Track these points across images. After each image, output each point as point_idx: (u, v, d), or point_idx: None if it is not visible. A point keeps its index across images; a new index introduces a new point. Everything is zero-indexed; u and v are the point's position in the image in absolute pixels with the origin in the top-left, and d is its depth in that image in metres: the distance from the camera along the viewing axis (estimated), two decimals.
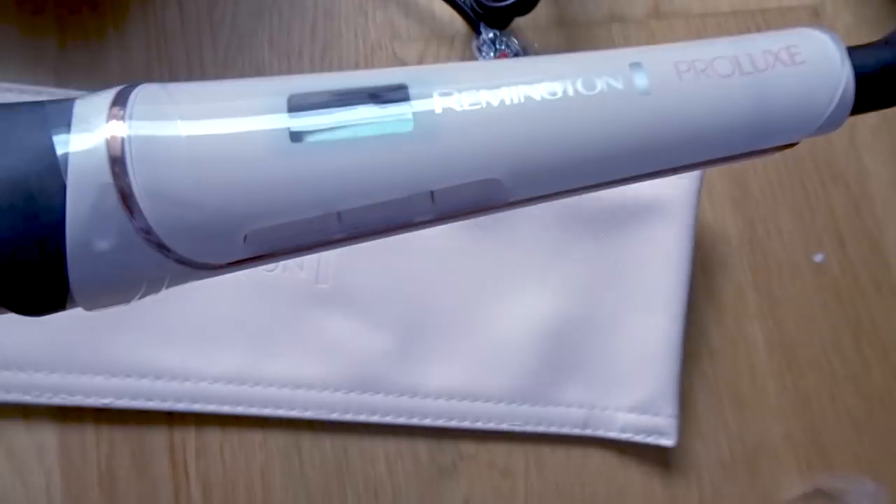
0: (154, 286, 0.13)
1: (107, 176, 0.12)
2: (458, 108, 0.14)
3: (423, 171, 0.14)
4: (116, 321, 0.26)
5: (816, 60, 0.15)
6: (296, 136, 0.13)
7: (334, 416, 0.27)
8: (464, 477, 0.29)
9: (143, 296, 0.13)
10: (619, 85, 0.14)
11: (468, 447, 0.29)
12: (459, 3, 0.31)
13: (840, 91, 0.15)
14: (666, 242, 0.30)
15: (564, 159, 0.14)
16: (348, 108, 0.13)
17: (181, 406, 0.26)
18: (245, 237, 0.13)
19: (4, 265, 0.12)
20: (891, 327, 0.35)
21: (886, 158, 0.37)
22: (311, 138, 0.13)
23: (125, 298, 0.13)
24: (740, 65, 0.15)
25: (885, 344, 0.35)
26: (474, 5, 0.31)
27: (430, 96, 0.14)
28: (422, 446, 0.28)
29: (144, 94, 0.13)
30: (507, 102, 0.14)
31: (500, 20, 0.31)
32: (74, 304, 0.13)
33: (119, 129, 0.12)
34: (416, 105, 0.14)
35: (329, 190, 0.13)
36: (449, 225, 0.15)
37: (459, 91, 0.14)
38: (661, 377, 0.29)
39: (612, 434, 0.29)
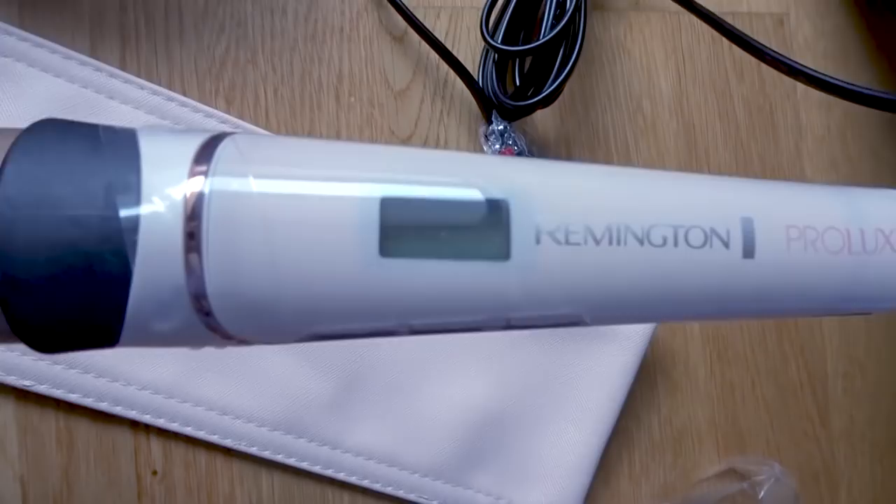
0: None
1: (180, 274, 0.11)
2: (558, 244, 0.13)
3: (507, 302, 0.13)
4: None
5: None
6: (385, 251, 0.12)
7: (252, 451, 0.27)
8: None
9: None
10: (725, 245, 0.14)
11: None
12: (478, 85, 0.29)
13: None
14: (611, 368, 0.30)
15: (651, 305, 0.14)
16: (443, 225, 0.13)
17: (103, 406, 0.26)
18: (308, 334, 0.13)
19: (52, 330, 0.11)
20: (809, 327, 0.38)
21: (826, 167, 0.39)
22: (400, 254, 0.12)
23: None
24: (850, 242, 0.14)
25: (802, 342, 0.38)
26: (490, 95, 0.29)
27: (533, 224, 0.13)
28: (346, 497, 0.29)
29: (227, 157, 0.12)
30: (610, 243, 0.13)
31: (518, 115, 0.30)
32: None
33: (198, 209, 0.11)
34: (516, 232, 0.13)
35: (409, 307, 0.13)
36: None
37: (564, 223, 0.13)
38: (570, 487, 0.30)
39: None
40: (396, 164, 0.13)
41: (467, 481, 0.30)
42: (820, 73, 0.22)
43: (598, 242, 0.13)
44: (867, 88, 0.21)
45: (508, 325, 0.14)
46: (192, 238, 0.11)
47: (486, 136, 0.31)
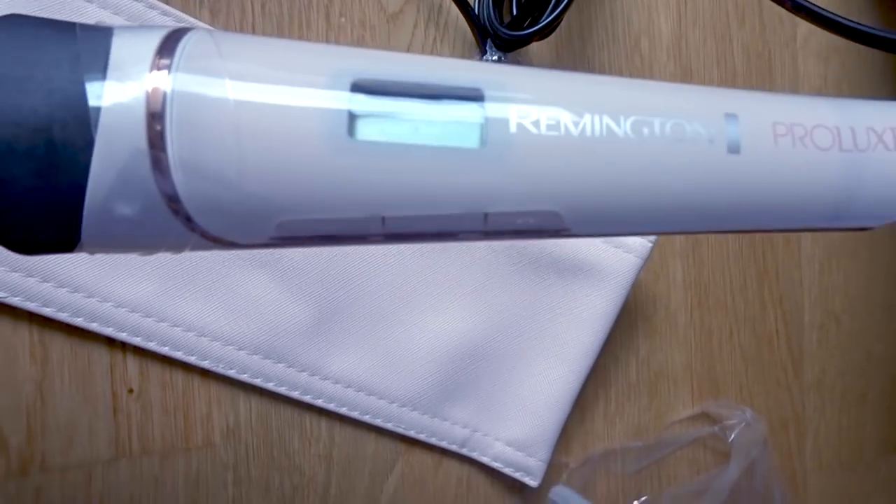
0: (171, 250, 0.12)
1: (141, 141, 0.11)
2: (533, 131, 0.13)
3: (482, 193, 0.13)
4: None
5: None
6: (354, 132, 0.12)
7: (230, 373, 0.27)
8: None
9: (156, 254, 0.13)
10: (708, 139, 0.13)
11: (366, 439, 0.30)
12: (473, 13, 0.28)
13: None
14: (594, 307, 0.30)
15: (632, 205, 0.13)
16: (414, 110, 0.12)
17: (78, 321, 0.25)
18: (278, 224, 0.12)
19: (12, 211, 0.11)
20: (789, 277, 0.38)
21: None
22: (369, 137, 0.12)
23: (137, 252, 0.12)
24: (841, 139, 0.14)
25: (782, 292, 0.38)
26: (486, 24, 0.28)
27: (507, 110, 0.13)
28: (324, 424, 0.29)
29: (195, 45, 0.11)
30: (588, 133, 0.13)
31: (513, 46, 0.29)
32: (80, 252, 0.12)
33: (162, 86, 0.11)
34: (490, 118, 0.13)
35: (379, 194, 0.12)
36: None
37: (539, 110, 0.13)
38: (545, 423, 0.30)
39: (485, 459, 0.30)
40: (368, 54, 0.13)
41: (445, 413, 0.30)
42: (822, 9, 0.21)
43: (575, 132, 0.13)
44: (871, 27, 0.21)
45: (486, 229, 0.13)
46: (155, 104, 0.11)
47: None
